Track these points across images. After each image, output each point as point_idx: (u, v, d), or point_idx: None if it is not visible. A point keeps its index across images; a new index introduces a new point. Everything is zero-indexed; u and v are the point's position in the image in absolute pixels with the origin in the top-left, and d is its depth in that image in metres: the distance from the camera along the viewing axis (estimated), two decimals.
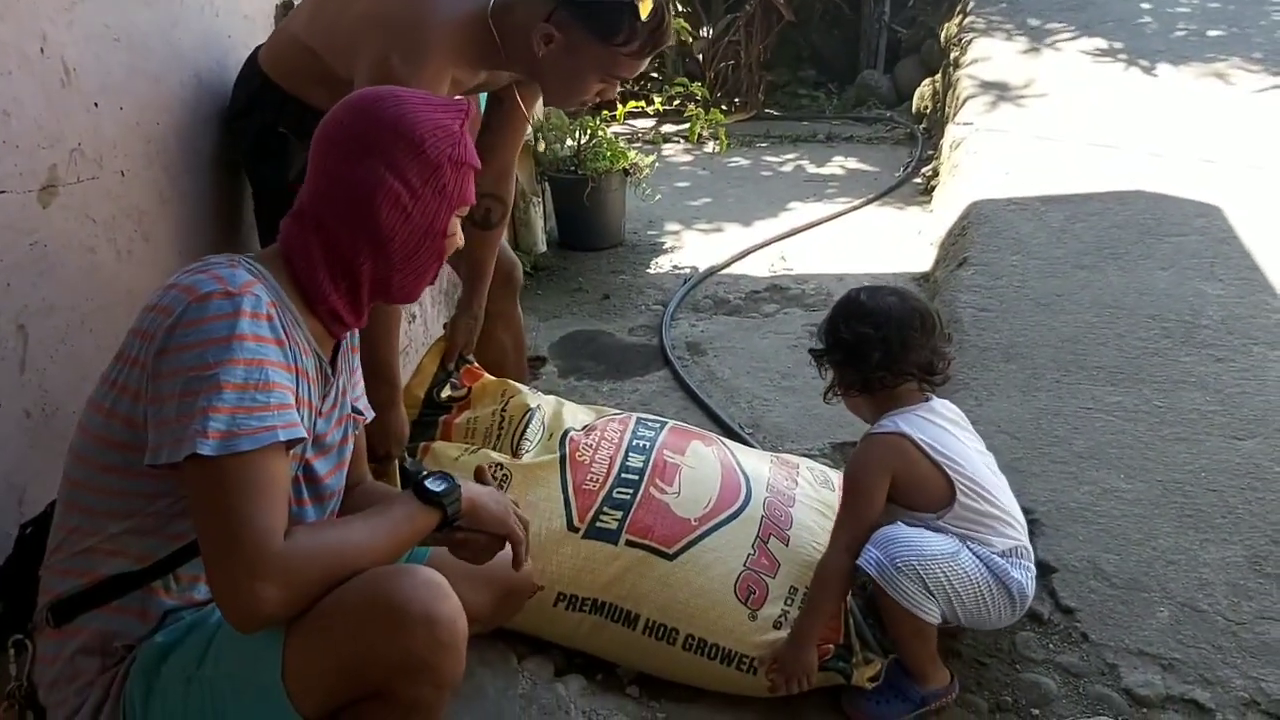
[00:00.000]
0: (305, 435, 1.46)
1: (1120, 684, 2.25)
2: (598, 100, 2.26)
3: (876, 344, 2.22)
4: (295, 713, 1.45)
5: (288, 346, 1.47)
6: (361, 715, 1.49)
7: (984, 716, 2.23)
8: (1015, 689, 2.28)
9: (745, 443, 3.07)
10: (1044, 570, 2.48)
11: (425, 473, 1.60)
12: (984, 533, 2.19)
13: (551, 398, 2.78)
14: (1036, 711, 2.23)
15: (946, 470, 2.18)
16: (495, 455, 2.51)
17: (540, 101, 2.70)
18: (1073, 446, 2.93)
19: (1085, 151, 4.79)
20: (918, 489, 2.20)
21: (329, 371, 1.63)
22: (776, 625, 2.26)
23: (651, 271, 4.75)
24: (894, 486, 2.19)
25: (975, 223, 4.26)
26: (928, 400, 2.30)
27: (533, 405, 2.65)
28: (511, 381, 2.76)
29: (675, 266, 4.79)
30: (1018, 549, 2.21)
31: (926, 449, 2.18)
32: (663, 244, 5.11)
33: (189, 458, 1.33)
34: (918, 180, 5.77)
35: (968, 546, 2.15)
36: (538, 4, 2.05)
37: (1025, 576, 2.19)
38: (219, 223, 2.36)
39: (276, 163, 2.24)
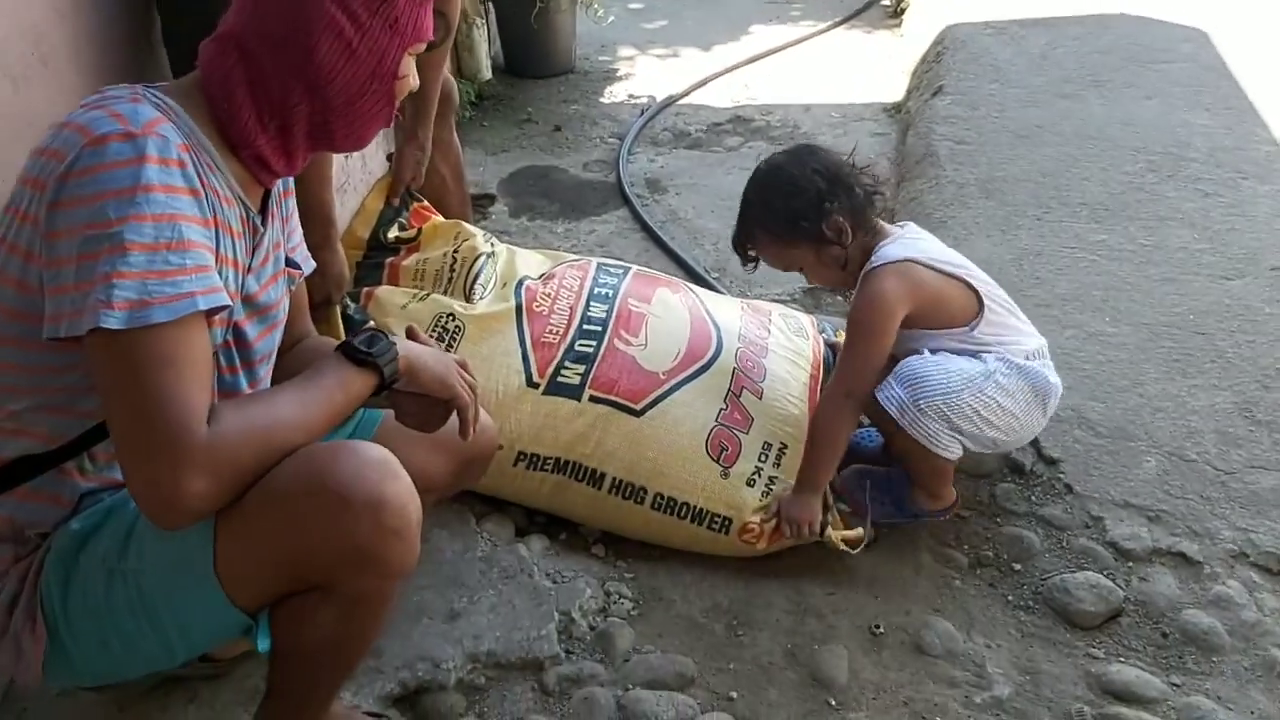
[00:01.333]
0: (229, 301, 1.25)
1: (1105, 537, 2.17)
2: None
3: (845, 177, 2.06)
4: (230, 605, 1.31)
5: (204, 197, 1.25)
6: (303, 608, 1.35)
7: (964, 572, 2.15)
8: (996, 542, 2.19)
9: (712, 289, 2.90)
10: None
11: (360, 330, 1.41)
12: (1014, 336, 2.08)
13: (504, 246, 2.56)
14: (1018, 566, 2.15)
15: (967, 280, 2.04)
16: (446, 301, 2.31)
17: None
18: (1056, 288, 2.79)
19: None
20: (941, 308, 2.04)
21: (258, 222, 1.41)
22: (749, 483, 2.13)
23: (605, 101, 4.45)
24: (913, 315, 2.02)
25: (950, 48, 4.01)
26: (904, 227, 2.14)
27: (485, 250, 2.45)
28: (465, 224, 2.53)
29: (631, 96, 4.49)
30: (1042, 349, 2.11)
31: (937, 266, 2.03)
32: (616, 71, 4.79)
33: (93, 331, 1.13)
34: (886, 2, 5.45)
35: (999, 358, 2.02)
36: None
37: (1054, 375, 2.10)
38: (131, 41, 2.06)
39: None
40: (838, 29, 5.16)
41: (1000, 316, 2.07)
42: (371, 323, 2.24)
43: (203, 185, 1.25)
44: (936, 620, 2.02)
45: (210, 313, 1.22)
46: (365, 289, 2.35)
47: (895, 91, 4.30)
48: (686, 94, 4.43)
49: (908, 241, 2.07)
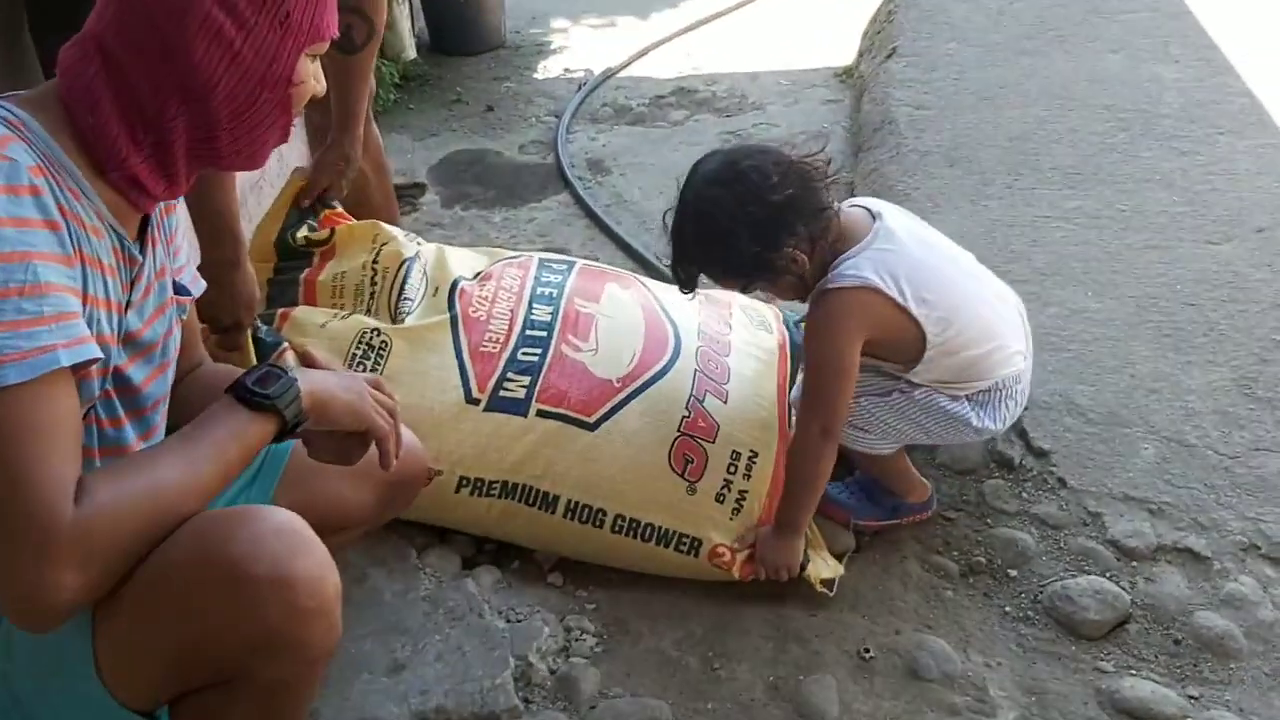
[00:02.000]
0: (99, 353, 1.05)
1: (1105, 535, 2.00)
2: None
3: (800, 176, 1.77)
4: (120, 708, 1.12)
5: (66, 230, 1.04)
6: (210, 705, 1.16)
7: (955, 581, 1.98)
8: (989, 547, 2.02)
9: (665, 278, 2.68)
10: None
11: (255, 367, 1.20)
12: (955, 381, 1.88)
13: (432, 245, 2.32)
14: (1014, 572, 1.97)
15: (918, 319, 1.79)
16: (369, 320, 2.07)
17: None
18: (1033, 262, 2.60)
19: None
20: (889, 344, 1.84)
21: (134, 252, 1.19)
22: (719, 498, 1.94)
23: (540, 77, 4.20)
24: (864, 344, 1.80)
25: (902, 6, 3.81)
26: (877, 220, 1.85)
27: (409, 254, 2.20)
28: (383, 225, 2.28)
29: (566, 70, 4.24)
30: (1002, 381, 1.89)
31: (898, 298, 1.77)
32: (549, 43, 4.54)
33: None
34: None
35: (915, 391, 1.88)
36: None
37: (1001, 413, 1.92)
38: None
39: None
40: None
41: (944, 365, 1.84)
42: (286, 345, 2.00)
43: (63, 215, 1.04)
44: (930, 639, 1.85)
45: (77, 367, 1.01)
46: (279, 310, 2.10)
47: (846, 55, 4.10)
48: (626, 66, 4.19)
49: (874, 255, 1.79)
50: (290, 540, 1.10)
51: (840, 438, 1.86)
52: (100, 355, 1.05)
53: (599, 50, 4.39)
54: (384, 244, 2.22)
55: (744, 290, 1.96)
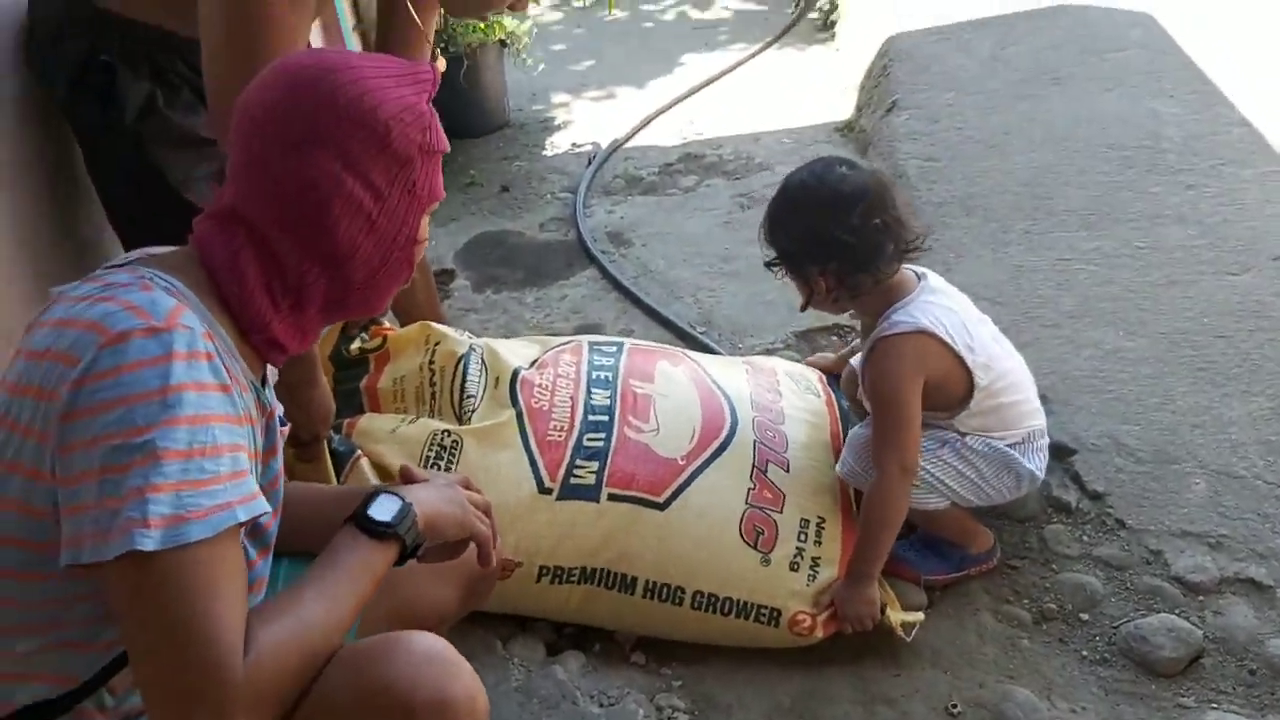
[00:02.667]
0: (268, 507, 1.11)
1: (1169, 572, 2.06)
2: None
3: (876, 232, 1.89)
4: None
5: (234, 392, 1.11)
6: None
7: (1030, 629, 2.03)
8: (1058, 593, 2.07)
9: (705, 348, 2.75)
10: (1062, 452, 2.27)
11: (368, 494, 1.28)
12: (995, 429, 2.00)
13: (481, 339, 2.38)
14: (1086, 616, 2.03)
15: (969, 364, 1.93)
16: (437, 423, 2.13)
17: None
18: (1061, 305, 2.68)
19: None
20: (939, 389, 1.95)
21: (269, 401, 1.27)
22: (793, 567, 1.99)
23: (549, 153, 4.29)
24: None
25: (896, 59, 3.91)
26: (922, 279, 2.01)
27: (462, 350, 2.26)
28: (432, 324, 2.35)
29: (574, 144, 4.33)
30: (1031, 433, 2.03)
31: (950, 342, 1.91)
32: (553, 119, 4.63)
33: (122, 555, 0.99)
34: (814, 15, 5.35)
35: (968, 438, 1.99)
36: None
37: (1037, 461, 2.03)
38: (39, 200, 1.87)
39: (105, 102, 1.76)
40: (770, 49, 5.05)
41: (987, 408, 1.98)
42: (359, 453, 2.06)
43: (230, 378, 1.11)
44: (1014, 689, 1.90)
45: (247, 523, 1.08)
46: (345, 421, 2.15)
47: (843, 109, 4.20)
48: (631, 136, 4.28)
49: (929, 309, 1.93)
50: (443, 665, 1.17)
51: None
52: (268, 509, 1.11)
53: (602, 122, 4.48)
54: (436, 343, 2.28)
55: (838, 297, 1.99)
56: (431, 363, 2.26)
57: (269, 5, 1.53)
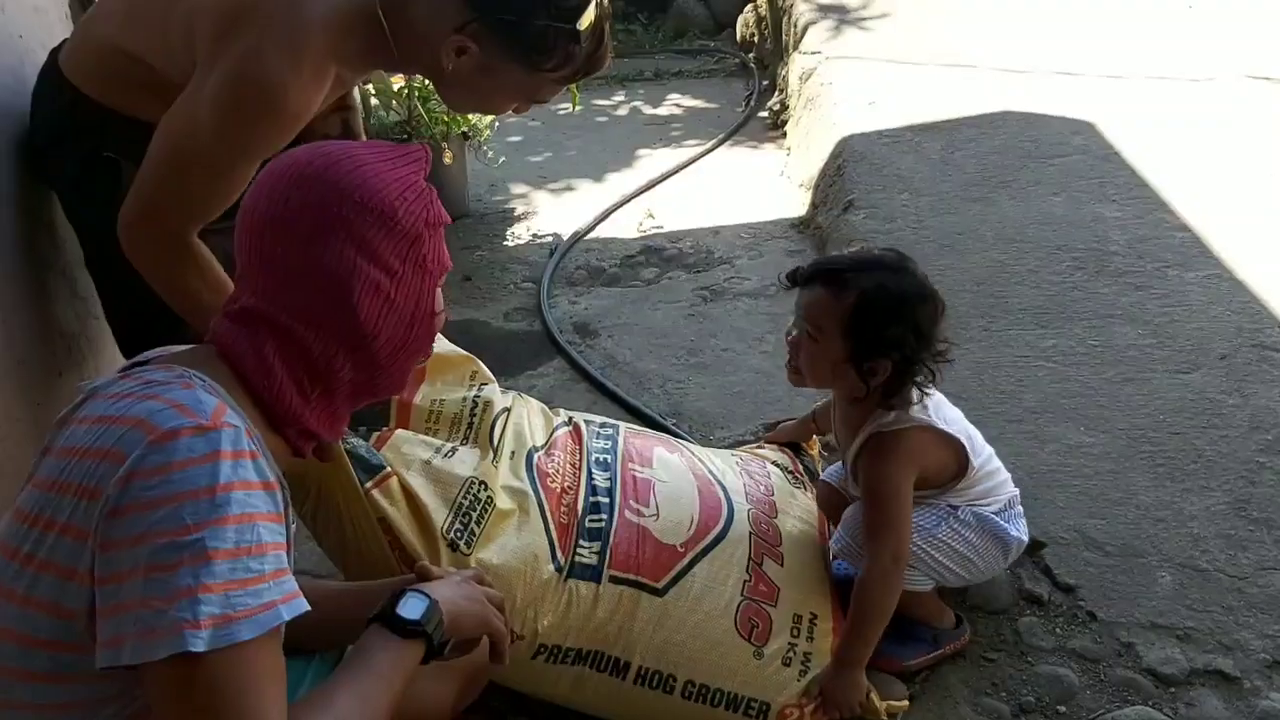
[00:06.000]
0: (308, 606, 1.11)
1: (1141, 664, 2.11)
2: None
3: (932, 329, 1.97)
4: None
5: (279, 491, 1.13)
6: None
7: None
8: (1035, 686, 2.10)
9: (678, 436, 2.78)
10: (1033, 546, 2.31)
11: (394, 592, 1.30)
12: (986, 497, 2.08)
13: (511, 393, 2.37)
14: (1063, 709, 2.06)
15: (961, 444, 2.02)
16: (472, 471, 2.04)
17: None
18: (1023, 401, 2.77)
19: (945, 74, 4.63)
20: (935, 472, 2.03)
21: (289, 495, 1.27)
22: (785, 662, 2.00)
23: (510, 244, 4.35)
24: None
25: (850, 160, 4.05)
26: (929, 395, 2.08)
27: (504, 404, 2.24)
28: (478, 362, 2.32)
29: (535, 236, 4.39)
30: (1013, 499, 2.13)
31: (945, 428, 2.01)
32: (513, 210, 4.70)
33: (170, 656, 0.99)
34: (763, 114, 5.53)
35: (960, 511, 2.05)
36: (446, 6, 1.66)
37: (1020, 527, 2.12)
38: (37, 296, 1.87)
39: (109, 199, 1.77)
40: (723, 146, 5.19)
41: (978, 479, 2.07)
42: (389, 469, 1.95)
43: (274, 477, 1.13)
44: None
45: (291, 621, 1.08)
46: (376, 433, 2.05)
47: (798, 206, 4.33)
48: (592, 228, 4.36)
49: (928, 402, 2.03)
50: None
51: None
52: (309, 608, 1.11)
53: (562, 214, 4.56)
54: (483, 384, 2.25)
55: (815, 340, 1.99)
56: (477, 398, 2.21)
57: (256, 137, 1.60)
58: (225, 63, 1.59)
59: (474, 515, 1.98)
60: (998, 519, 2.08)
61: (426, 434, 2.13)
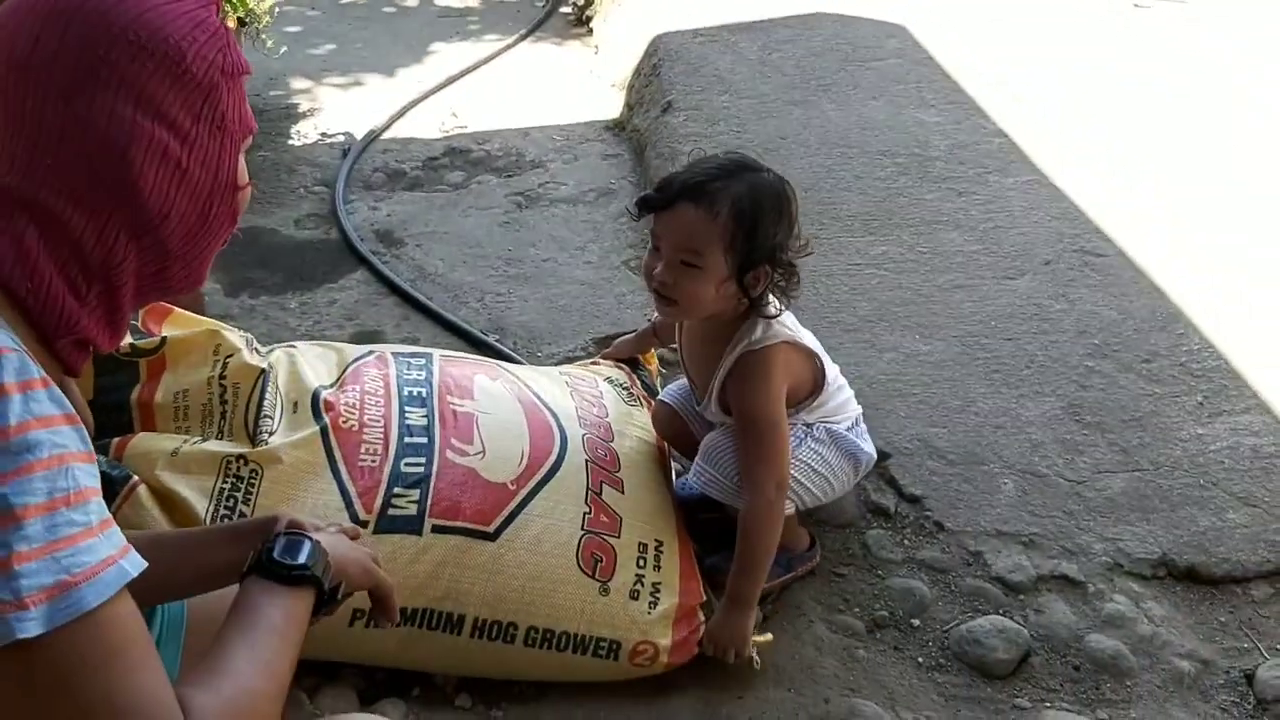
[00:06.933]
0: (144, 563, 0.89)
1: (990, 572, 2.10)
2: None
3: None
4: None
5: (81, 425, 0.88)
6: None
7: (864, 639, 2.01)
8: (887, 599, 2.07)
9: (504, 357, 2.57)
10: (877, 457, 2.26)
11: (264, 538, 1.11)
12: (838, 413, 2.03)
13: (278, 351, 2.10)
14: (916, 621, 2.03)
15: (818, 358, 1.95)
16: (227, 447, 1.83)
17: None
18: (857, 310, 2.71)
19: None
20: (797, 388, 1.94)
21: None
22: (633, 594, 1.86)
23: (296, 143, 3.94)
24: None
25: (666, 59, 3.87)
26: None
27: (261, 364, 1.97)
28: (221, 329, 2.01)
29: (324, 135, 4.00)
30: (858, 417, 2.08)
31: (807, 344, 1.93)
32: (297, 106, 4.27)
33: (5, 650, 0.79)
34: (566, 10, 5.25)
35: (814, 429, 1.98)
36: None
37: (870, 442, 2.08)
38: None
39: None
40: (525, 42, 4.90)
41: (831, 396, 2.01)
42: (136, 479, 1.73)
43: (71, 407, 0.88)
44: (859, 703, 1.87)
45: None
46: (115, 440, 1.82)
47: (610, 107, 4.12)
48: (388, 126, 4.01)
49: (788, 316, 1.93)
50: None
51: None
52: (146, 564, 0.88)
53: (352, 111, 4.17)
54: (228, 355, 1.96)
55: (687, 255, 1.79)
56: (223, 378, 1.92)
57: None
58: None
59: (239, 495, 1.76)
60: (849, 435, 2.02)
61: (176, 434, 1.88)
